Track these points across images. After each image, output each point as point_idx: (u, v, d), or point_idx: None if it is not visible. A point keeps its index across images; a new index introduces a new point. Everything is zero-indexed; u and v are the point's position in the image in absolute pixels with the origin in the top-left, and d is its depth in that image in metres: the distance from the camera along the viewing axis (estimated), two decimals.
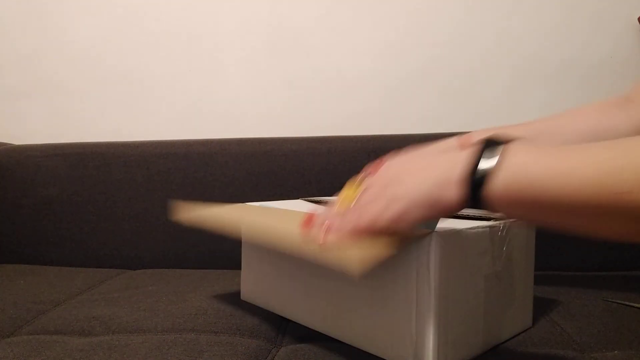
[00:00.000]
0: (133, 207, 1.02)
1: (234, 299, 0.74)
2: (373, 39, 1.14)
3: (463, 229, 0.50)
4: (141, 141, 1.06)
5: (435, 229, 0.47)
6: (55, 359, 0.54)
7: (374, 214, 0.42)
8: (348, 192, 0.45)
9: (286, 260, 0.65)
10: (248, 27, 1.16)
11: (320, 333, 0.61)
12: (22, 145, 1.10)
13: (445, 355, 0.49)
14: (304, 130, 1.14)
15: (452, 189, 0.38)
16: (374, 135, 1.02)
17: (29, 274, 0.92)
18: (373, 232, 0.42)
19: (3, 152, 1.07)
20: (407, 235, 0.46)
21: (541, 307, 0.69)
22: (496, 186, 0.35)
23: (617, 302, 0.67)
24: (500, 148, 0.36)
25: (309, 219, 0.46)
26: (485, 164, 0.36)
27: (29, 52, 1.21)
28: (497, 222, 0.55)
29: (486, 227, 0.53)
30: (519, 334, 0.60)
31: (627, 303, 0.67)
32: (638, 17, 1.07)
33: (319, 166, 0.99)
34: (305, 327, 0.63)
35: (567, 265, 0.91)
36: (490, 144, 0.37)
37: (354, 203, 0.44)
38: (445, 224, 0.53)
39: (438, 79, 1.13)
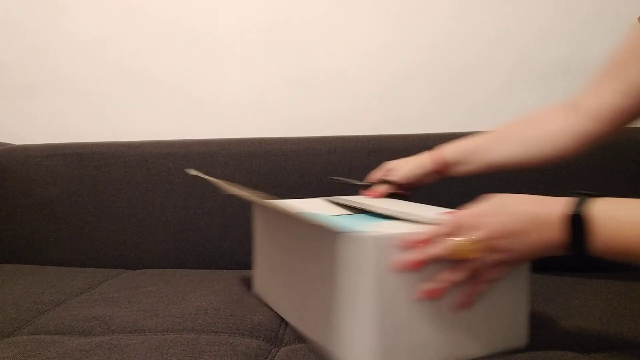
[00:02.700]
0: (133, 207, 1.02)
1: (234, 299, 0.74)
2: (373, 39, 1.14)
3: (401, 232, 0.48)
4: (141, 141, 1.06)
5: (373, 232, 0.46)
6: (55, 359, 0.54)
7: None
8: (461, 247, 0.49)
9: (281, 262, 0.66)
10: (248, 27, 1.16)
11: None
12: (22, 145, 1.10)
13: None
14: (304, 130, 1.14)
15: (561, 251, 0.46)
16: (374, 135, 1.02)
17: (29, 274, 0.92)
18: None
19: (3, 152, 1.07)
20: None
21: (541, 307, 0.69)
22: (595, 252, 0.44)
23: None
24: (588, 222, 0.44)
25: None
26: (581, 243, 0.45)
27: (28, 52, 1.20)
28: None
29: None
30: (509, 352, 0.54)
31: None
32: (638, 17, 1.07)
33: (319, 166, 0.99)
34: None
35: (567, 265, 0.91)
36: (579, 219, 0.45)
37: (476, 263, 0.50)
38: (386, 226, 0.51)
39: (439, 79, 1.13)
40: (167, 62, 1.18)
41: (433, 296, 0.49)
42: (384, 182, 0.79)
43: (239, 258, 0.96)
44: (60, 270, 0.96)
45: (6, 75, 1.22)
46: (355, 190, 0.84)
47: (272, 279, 0.69)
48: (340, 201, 0.75)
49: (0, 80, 1.22)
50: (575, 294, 0.73)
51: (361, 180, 0.84)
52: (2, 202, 1.04)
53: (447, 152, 0.75)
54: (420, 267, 0.48)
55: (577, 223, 0.45)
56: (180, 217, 1.01)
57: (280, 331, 0.64)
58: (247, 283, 0.80)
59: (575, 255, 0.46)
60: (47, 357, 0.54)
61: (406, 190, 0.80)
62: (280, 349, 0.59)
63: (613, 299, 0.71)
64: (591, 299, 0.71)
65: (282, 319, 0.66)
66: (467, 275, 0.49)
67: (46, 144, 1.08)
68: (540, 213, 0.47)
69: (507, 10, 1.10)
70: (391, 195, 0.79)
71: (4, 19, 1.20)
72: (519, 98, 1.12)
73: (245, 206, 0.94)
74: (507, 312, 0.54)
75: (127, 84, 1.19)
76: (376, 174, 0.81)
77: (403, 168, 0.78)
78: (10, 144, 1.13)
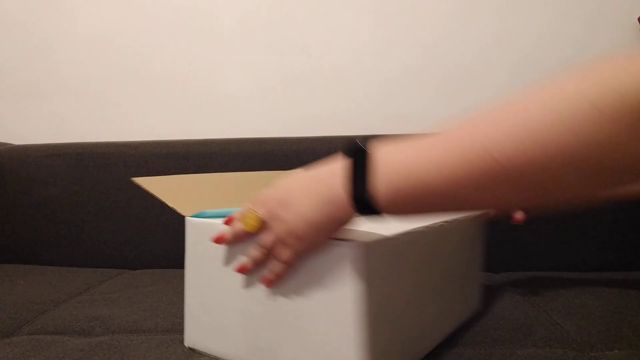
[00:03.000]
0: (133, 207, 1.02)
1: None
2: (373, 39, 1.14)
3: (389, 236, 0.46)
4: (141, 141, 1.06)
5: (364, 240, 0.43)
6: (55, 359, 0.54)
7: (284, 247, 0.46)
8: (246, 219, 0.47)
9: None
10: (248, 27, 1.16)
11: None
12: (22, 145, 1.10)
13: None
14: (304, 130, 1.14)
15: (344, 206, 0.40)
16: (374, 135, 1.02)
17: (29, 274, 0.92)
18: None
19: (3, 152, 1.07)
20: None
21: (541, 307, 0.69)
22: (378, 192, 0.38)
23: None
24: (367, 158, 0.39)
25: (229, 221, 0.51)
26: (361, 182, 0.39)
27: (28, 52, 1.20)
28: (427, 226, 0.52)
29: (415, 232, 0.50)
30: (468, 320, 0.63)
31: None
32: (638, 17, 1.07)
33: None
34: None
35: (566, 265, 0.91)
36: (358, 155, 0.39)
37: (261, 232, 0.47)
38: (374, 231, 0.47)
39: (438, 79, 1.13)
40: (167, 62, 1.18)
41: (242, 271, 0.49)
42: None
43: None
44: (60, 270, 0.96)
45: (6, 75, 1.22)
46: None
47: None
48: None
49: (0, 80, 1.22)
50: (575, 294, 0.73)
51: None
52: (2, 202, 1.04)
53: None
54: (226, 241, 0.50)
55: (356, 161, 0.39)
56: (180, 217, 1.00)
57: None
58: None
59: (358, 207, 0.39)
60: (47, 357, 0.54)
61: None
62: None
63: (613, 299, 0.71)
64: (591, 299, 0.71)
65: None
66: (262, 251, 0.47)
67: (46, 144, 1.08)
68: (318, 172, 0.43)
69: (507, 11, 1.10)
70: None
71: (4, 18, 1.20)
72: None
73: None
74: (466, 287, 0.56)
75: (127, 83, 1.19)
76: None
77: None
78: (10, 144, 1.13)
